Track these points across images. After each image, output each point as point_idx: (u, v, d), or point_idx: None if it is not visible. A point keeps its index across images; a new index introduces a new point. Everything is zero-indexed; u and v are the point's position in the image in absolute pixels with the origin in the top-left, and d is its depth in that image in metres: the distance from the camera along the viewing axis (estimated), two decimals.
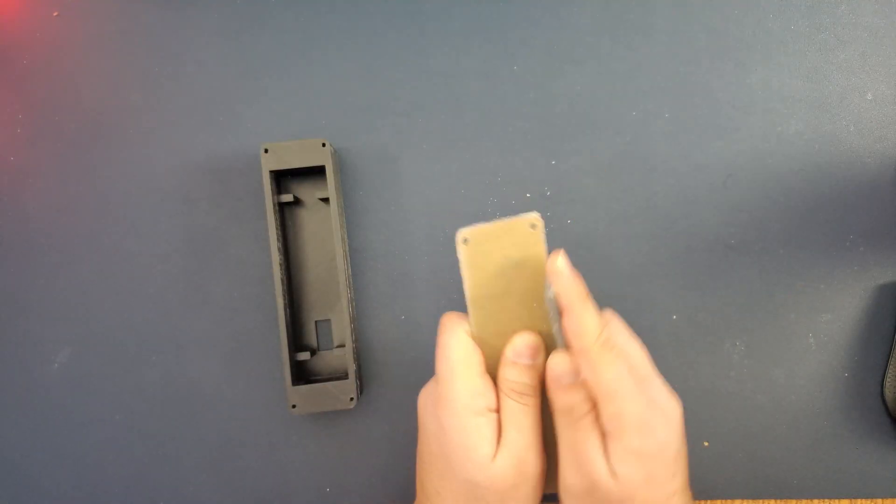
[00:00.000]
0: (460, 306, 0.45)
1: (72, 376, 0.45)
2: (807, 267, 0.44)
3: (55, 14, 0.47)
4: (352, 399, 0.42)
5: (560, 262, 0.30)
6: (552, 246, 0.45)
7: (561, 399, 0.30)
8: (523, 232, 0.31)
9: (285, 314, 0.42)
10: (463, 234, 0.31)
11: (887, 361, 0.43)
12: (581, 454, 0.29)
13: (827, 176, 0.45)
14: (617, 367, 0.29)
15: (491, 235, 0.31)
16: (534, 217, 0.31)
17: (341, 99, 0.46)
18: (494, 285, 0.31)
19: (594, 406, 0.29)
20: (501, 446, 0.30)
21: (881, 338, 0.44)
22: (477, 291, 0.31)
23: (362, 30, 0.46)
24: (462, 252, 0.31)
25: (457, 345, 0.31)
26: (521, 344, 0.31)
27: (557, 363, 0.30)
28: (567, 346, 0.30)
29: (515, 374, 0.31)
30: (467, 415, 0.30)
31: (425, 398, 0.33)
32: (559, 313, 0.30)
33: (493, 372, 0.32)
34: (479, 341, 0.32)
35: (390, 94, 0.46)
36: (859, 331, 0.44)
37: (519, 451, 0.30)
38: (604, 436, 0.29)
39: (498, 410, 0.31)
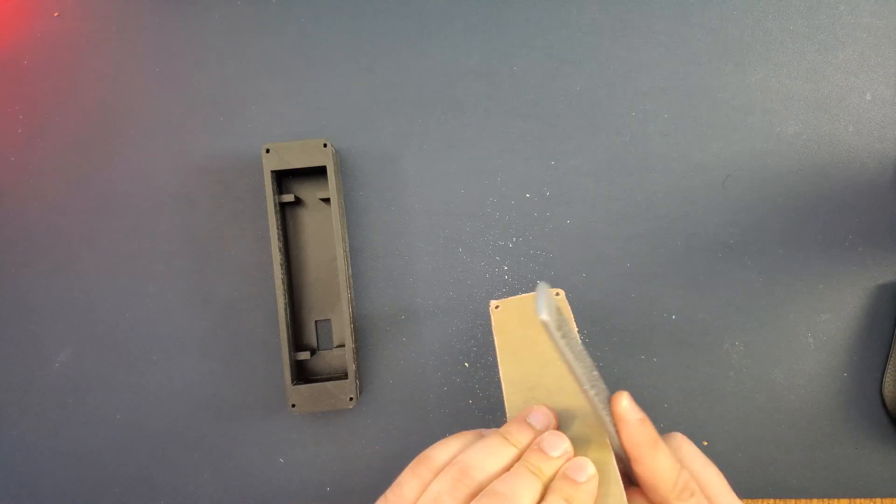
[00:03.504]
0: (460, 305, 0.45)
1: (72, 376, 0.45)
2: (806, 267, 0.44)
3: (55, 14, 0.47)
4: (351, 399, 0.42)
5: (624, 406, 0.28)
6: (550, 246, 0.45)
7: None
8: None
9: (285, 314, 0.42)
10: (494, 303, 0.34)
11: (886, 361, 0.44)
12: None
13: (826, 176, 0.45)
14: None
15: (518, 305, 0.33)
16: (557, 290, 0.34)
17: (341, 99, 0.46)
18: (523, 347, 0.33)
19: None
20: None
21: (880, 338, 0.44)
22: (507, 353, 0.33)
23: (362, 30, 0.46)
24: (493, 317, 0.34)
25: None
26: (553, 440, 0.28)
27: None
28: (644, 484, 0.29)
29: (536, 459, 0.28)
30: None
31: None
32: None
33: (520, 404, 0.31)
34: (510, 395, 0.32)
35: (390, 94, 0.46)
36: (858, 331, 0.44)
37: None
38: None
39: None
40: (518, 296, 0.35)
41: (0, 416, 0.45)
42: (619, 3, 0.46)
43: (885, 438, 0.44)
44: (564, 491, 0.26)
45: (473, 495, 0.26)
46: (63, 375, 0.45)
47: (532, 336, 0.33)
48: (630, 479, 0.30)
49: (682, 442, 0.30)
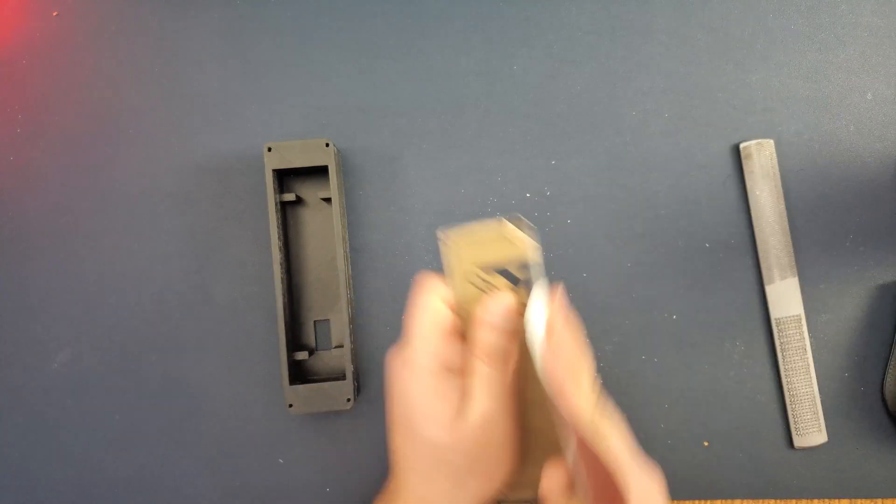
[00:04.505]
0: None
1: (72, 376, 0.45)
2: (806, 267, 0.44)
3: (55, 14, 0.47)
4: (349, 400, 0.42)
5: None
6: (550, 246, 0.45)
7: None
8: (505, 229, 0.32)
9: (284, 314, 0.42)
10: (446, 233, 0.32)
11: (887, 361, 0.43)
12: None
13: (827, 176, 0.45)
14: (616, 441, 0.28)
15: (474, 234, 0.32)
16: (516, 217, 0.32)
17: (341, 99, 0.46)
18: (478, 279, 0.32)
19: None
20: (468, 407, 0.30)
21: (880, 338, 0.44)
22: (462, 286, 0.32)
23: (362, 30, 0.46)
24: (445, 250, 0.32)
25: (427, 306, 0.31)
26: (494, 306, 0.30)
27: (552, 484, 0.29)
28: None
29: (486, 335, 0.30)
30: (429, 375, 0.30)
31: (394, 359, 0.32)
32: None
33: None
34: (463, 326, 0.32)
35: (390, 94, 0.46)
36: (859, 331, 0.44)
37: (486, 413, 0.29)
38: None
39: (466, 375, 0.30)
40: (469, 226, 0.33)
41: (0, 416, 0.45)
42: (619, 3, 0.46)
43: (885, 438, 0.44)
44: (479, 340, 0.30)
45: None
46: (63, 375, 0.45)
47: (478, 270, 0.32)
48: None
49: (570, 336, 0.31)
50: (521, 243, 0.31)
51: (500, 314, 0.30)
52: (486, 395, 0.30)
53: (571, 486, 0.29)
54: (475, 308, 0.31)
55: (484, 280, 0.31)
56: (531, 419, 0.32)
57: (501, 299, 0.30)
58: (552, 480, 0.29)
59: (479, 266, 0.31)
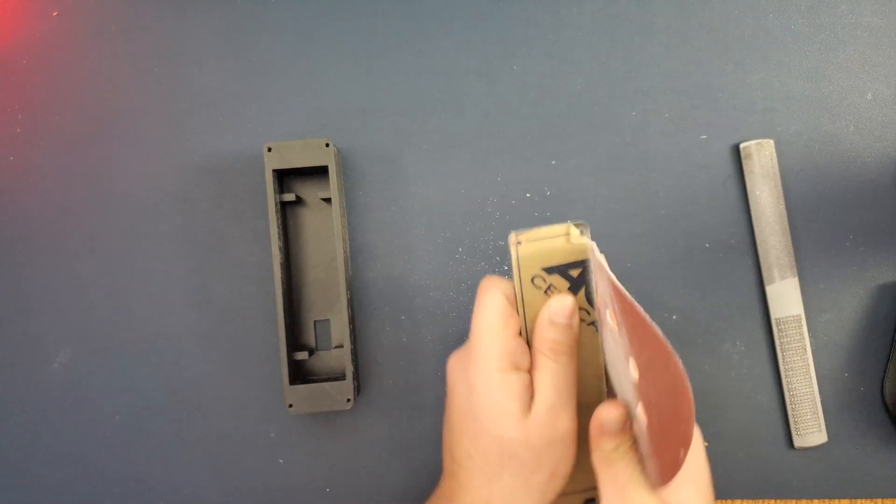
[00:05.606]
0: (460, 305, 0.45)
1: (72, 376, 0.45)
2: (806, 267, 0.44)
3: (55, 14, 0.47)
4: (349, 400, 0.42)
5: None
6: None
7: (607, 443, 0.30)
8: (571, 233, 0.33)
9: (284, 314, 0.42)
10: (517, 236, 0.33)
11: (887, 361, 0.43)
12: (625, 485, 0.29)
13: (827, 176, 0.45)
14: None
15: (541, 236, 0.33)
16: (580, 223, 0.33)
17: (341, 99, 0.46)
18: (541, 279, 0.33)
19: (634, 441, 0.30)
20: (535, 402, 0.31)
21: (881, 338, 0.44)
22: (527, 286, 0.33)
23: (362, 30, 0.46)
24: (514, 253, 0.33)
25: (492, 305, 0.32)
26: (559, 304, 0.32)
27: (608, 414, 0.30)
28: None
29: (552, 332, 0.31)
30: (497, 371, 0.31)
31: (455, 361, 0.33)
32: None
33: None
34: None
35: (390, 94, 0.46)
36: (859, 331, 0.44)
37: (553, 408, 0.31)
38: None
39: (531, 371, 0.32)
40: (536, 229, 0.34)
41: (0, 417, 0.45)
42: (619, 3, 0.46)
43: (885, 438, 0.44)
44: (546, 340, 0.31)
45: None
46: (62, 376, 0.45)
47: (541, 271, 0.33)
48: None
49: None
50: (583, 247, 0.32)
51: (564, 314, 0.31)
52: (552, 389, 0.31)
53: (626, 423, 0.30)
54: (538, 307, 0.32)
55: (545, 280, 0.32)
56: (580, 424, 0.33)
57: (565, 299, 0.32)
58: (607, 415, 0.30)
59: (542, 267, 0.32)
